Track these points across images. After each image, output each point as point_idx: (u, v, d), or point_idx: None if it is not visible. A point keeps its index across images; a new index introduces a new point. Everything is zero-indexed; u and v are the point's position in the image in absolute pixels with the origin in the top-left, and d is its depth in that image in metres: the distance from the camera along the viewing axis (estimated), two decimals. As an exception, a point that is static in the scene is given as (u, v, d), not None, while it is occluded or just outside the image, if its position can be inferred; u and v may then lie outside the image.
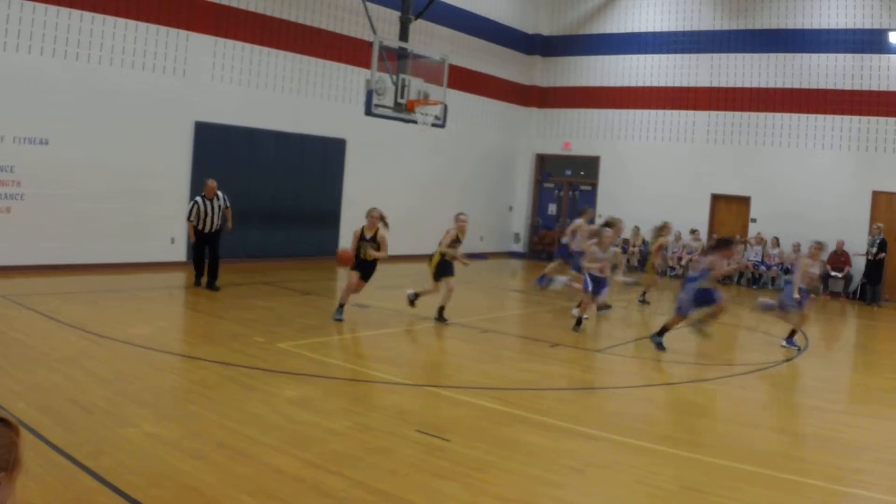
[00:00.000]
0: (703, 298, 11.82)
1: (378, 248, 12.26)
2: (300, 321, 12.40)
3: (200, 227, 14.64)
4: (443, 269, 12.76)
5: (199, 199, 14.73)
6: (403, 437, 6.89)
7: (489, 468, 6.28)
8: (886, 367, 13.24)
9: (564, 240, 16.87)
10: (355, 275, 12.37)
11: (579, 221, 16.12)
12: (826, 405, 9.87)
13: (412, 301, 13.15)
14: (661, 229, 17.47)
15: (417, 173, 22.58)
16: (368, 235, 12.29)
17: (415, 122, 16.37)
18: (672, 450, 7.16)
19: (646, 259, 19.17)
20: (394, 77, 15.79)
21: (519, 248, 26.89)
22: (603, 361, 11.47)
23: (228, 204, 14.97)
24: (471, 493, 5.74)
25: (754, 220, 23.35)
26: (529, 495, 5.83)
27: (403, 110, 15.97)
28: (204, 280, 14.84)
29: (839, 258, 21.84)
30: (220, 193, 14.83)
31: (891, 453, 7.63)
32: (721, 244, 12.62)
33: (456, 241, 12.70)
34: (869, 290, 21.21)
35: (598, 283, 13.08)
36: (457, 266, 12.89)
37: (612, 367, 11.18)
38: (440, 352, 9.69)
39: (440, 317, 12.76)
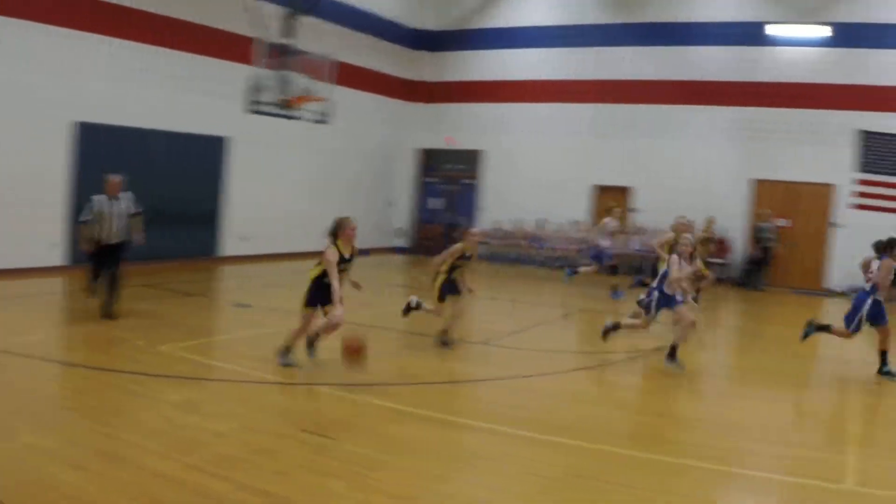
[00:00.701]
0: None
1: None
2: (183, 323, 12.16)
3: (98, 234, 11.83)
4: (449, 288, 11.20)
5: (97, 197, 11.89)
6: (289, 438, 6.84)
7: (377, 465, 6.28)
8: (766, 349, 13.68)
9: (602, 241, 17.49)
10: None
11: (610, 220, 16.38)
12: (708, 388, 10.24)
13: (409, 310, 11.73)
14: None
15: (303, 171, 22.33)
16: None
17: (299, 119, 16.23)
18: (558, 438, 7.26)
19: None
20: (279, 74, 15.60)
21: (402, 243, 26.87)
22: (486, 353, 11.50)
23: (138, 209, 12.18)
24: (360, 491, 5.73)
25: (637, 210, 23.86)
26: (419, 490, 5.86)
27: (288, 107, 15.82)
28: (99, 299, 12.01)
29: (722, 245, 22.55)
30: (126, 194, 12.11)
31: (772, 433, 7.90)
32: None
33: (463, 258, 11.11)
34: (754, 275, 21.93)
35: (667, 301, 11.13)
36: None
37: (495, 358, 11.22)
38: (323, 350, 9.62)
39: (444, 342, 11.25)
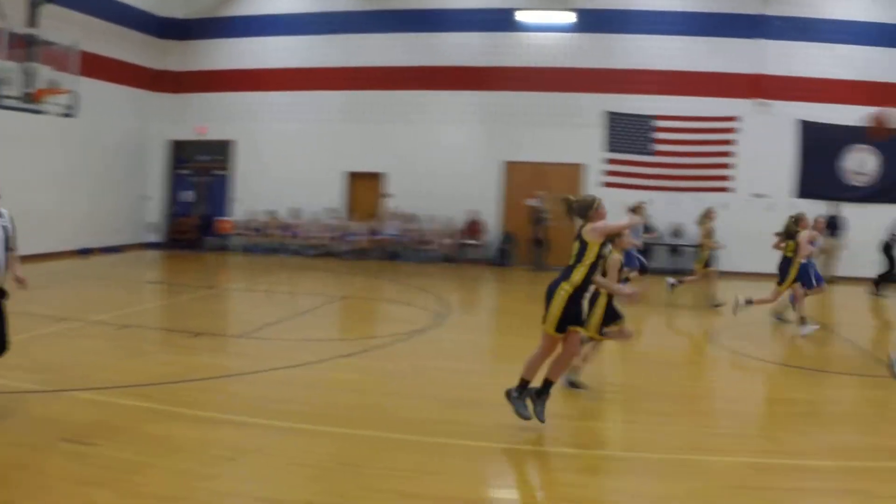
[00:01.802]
0: None
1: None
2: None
3: None
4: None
5: None
6: (48, 449, 6.51)
7: (141, 468, 6.12)
8: (521, 326, 14.15)
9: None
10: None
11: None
12: (468, 367, 10.43)
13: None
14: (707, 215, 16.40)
15: (50, 166, 21.11)
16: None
17: (44, 112, 15.37)
18: (323, 427, 7.31)
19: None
20: (21, 66, 14.68)
21: (155, 238, 25.94)
22: (245, 346, 11.40)
23: (12, 226, 7.40)
24: (124, 496, 5.58)
25: (390, 196, 24.15)
26: (185, 490, 5.75)
27: (32, 101, 14.96)
28: None
29: (474, 227, 23.20)
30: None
31: None
32: None
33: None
34: (536, 256, 22.63)
35: None
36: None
37: (255, 351, 11.11)
38: (79, 352, 9.17)
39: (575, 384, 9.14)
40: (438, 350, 11.53)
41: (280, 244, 24.19)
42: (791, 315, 13.94)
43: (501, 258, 23.15)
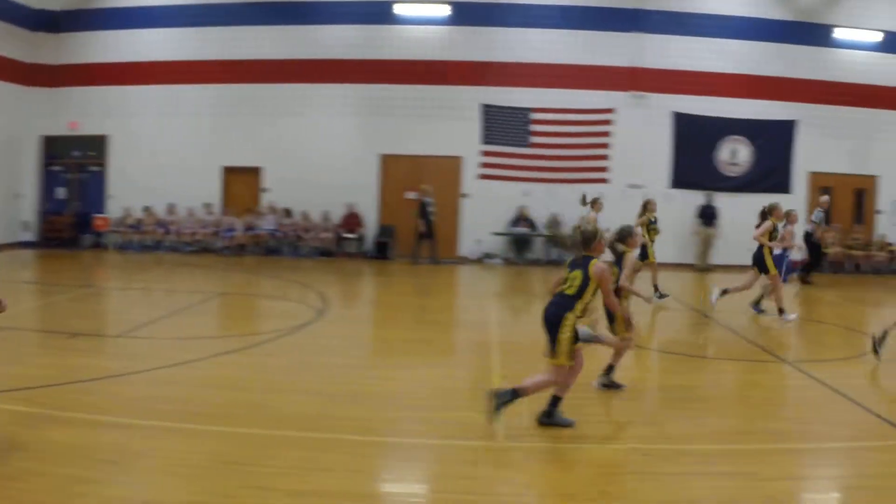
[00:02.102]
0: None
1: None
2: None
3: None
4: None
5: None
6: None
7: (21, 475, 5.90)
8: (402, 319, 14.35)
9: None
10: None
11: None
12: (352, 362, 10.43)
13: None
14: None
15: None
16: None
17: None
18: (206, 427, 7.21)
19: None
20: None
21: (29, 236, 25.13)
22: (125, 346, 11.11)
23: None
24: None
25: (266, 190, 23.82)
26: (68, 496, 5.60)
27: None
28: None
29: (351, 220, 23.04)
30: None
31: (416, 400, 8.33)
32: None
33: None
34: (428, 246, 22.54)
35: None
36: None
37: (135, 351, 10.79)
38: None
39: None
40: (320, 345, 11.40)
41: (157, 241, 23.63)
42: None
43: (380, 251, 22.98)
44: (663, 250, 21.50)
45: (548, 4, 23.18)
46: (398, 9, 23.27)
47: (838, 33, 23.44)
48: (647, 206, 16.17)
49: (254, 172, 24.03)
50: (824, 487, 6.53)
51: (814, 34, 23.34)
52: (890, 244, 23.67)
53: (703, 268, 22.59)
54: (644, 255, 15.14)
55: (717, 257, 22.76)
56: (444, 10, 23.13)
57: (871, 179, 24.07)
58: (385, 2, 23.24)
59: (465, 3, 23.13)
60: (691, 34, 23.17)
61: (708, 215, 22.73)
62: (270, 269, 20.43)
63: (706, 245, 22.77)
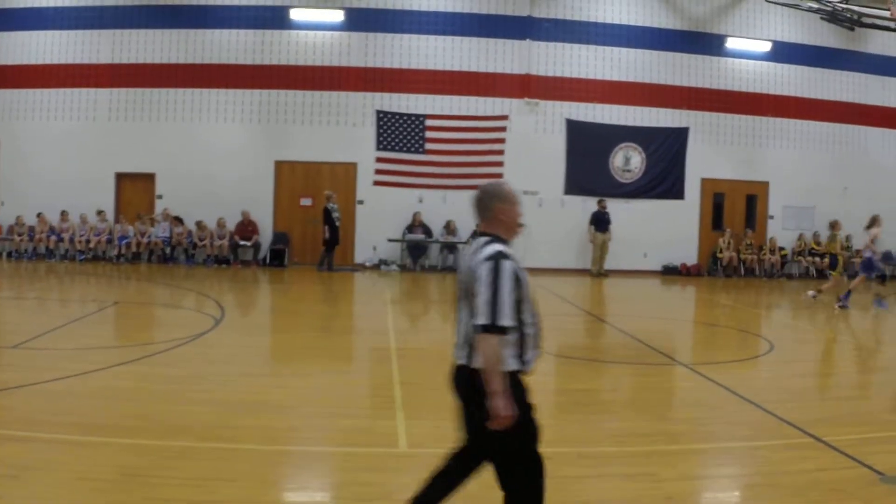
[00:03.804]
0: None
1: None
2: None
3: None
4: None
5: None
6: None
7: None
8: (300, 326, 14.24)
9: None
10: None
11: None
12: (251, 370, 10.31)
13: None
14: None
15: None
16: None
17: None
18: (106, 439, 7.03)
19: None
20: None
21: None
22: (19, 358, 10.72)
23: None
24: None
25: (160, 197, 23.52)
26: None
27: None
28: None
29: (247, 227, 22.88)
30: None
31: (316, 407, 8.28)
32: None
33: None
34: (326, 257, 22.46)
35: None
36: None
37: (29, 362, 10.42)
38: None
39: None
40: (218, 354, 11.21)
41: (49, 249, 23.15)
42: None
43: (275, 259, 22.84)
44: (560, 256, 21.93)
45: (440, 12, 23.36)
46: (294, 14, 23.15)
47: (730, 43, 23.98)
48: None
49: (148, 179, 23.69)
50: (723, 486, 6.63)
51: (704, 43, 23.91)
52: (781, 248, 24.24)
53: (598, 273, 22.85)
54: None
55: (610, 262, 23.02)
56: (338, 16, 23.08)
57: (763, 186, 24.61)
58: (280, 6, 23.13)
59: (358, 10, 23.15)
60: (583, 42, 23.55)
61: (601, 221, 23.01)
62: (166, 277, 20.16)
63: (601, 251, 23.04)
